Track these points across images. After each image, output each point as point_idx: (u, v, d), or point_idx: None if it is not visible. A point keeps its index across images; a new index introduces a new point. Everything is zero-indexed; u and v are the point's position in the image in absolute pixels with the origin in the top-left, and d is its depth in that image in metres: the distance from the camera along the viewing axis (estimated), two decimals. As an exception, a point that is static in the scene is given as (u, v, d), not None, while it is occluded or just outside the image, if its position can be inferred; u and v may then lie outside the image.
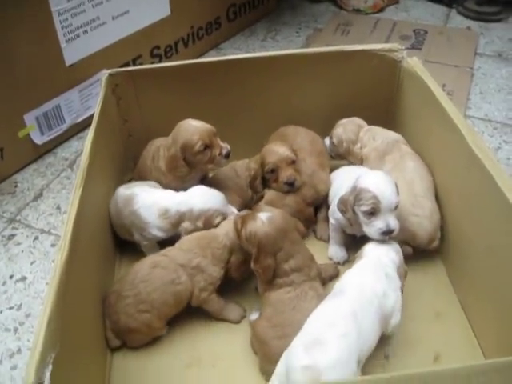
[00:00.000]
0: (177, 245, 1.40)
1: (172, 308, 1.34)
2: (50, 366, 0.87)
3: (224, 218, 1.47)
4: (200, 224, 1.45)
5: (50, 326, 0.91)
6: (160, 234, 1.49)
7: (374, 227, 1.33)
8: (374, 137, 1.63)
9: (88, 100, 2.08)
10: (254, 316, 1.35)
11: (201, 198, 1.48)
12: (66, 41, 1.91)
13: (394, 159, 1.55)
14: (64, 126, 2.04)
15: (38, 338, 0.88)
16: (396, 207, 1.33)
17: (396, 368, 1.25)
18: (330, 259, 1.53)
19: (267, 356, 1.23)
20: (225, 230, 1.40)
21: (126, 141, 1.76)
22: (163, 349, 1.33)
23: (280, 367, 1.13)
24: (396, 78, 1.71)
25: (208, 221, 1.45)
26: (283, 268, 1.27)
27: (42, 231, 1.70)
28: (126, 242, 1.57)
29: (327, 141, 1.74)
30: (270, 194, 1.59)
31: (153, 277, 1.33)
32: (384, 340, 1.26)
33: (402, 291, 1.29)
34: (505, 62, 2.50)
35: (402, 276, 1.32)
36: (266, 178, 1.60)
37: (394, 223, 1.33)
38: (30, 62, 1.83)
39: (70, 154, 2.04)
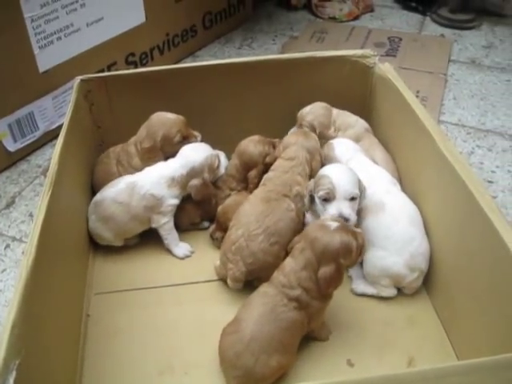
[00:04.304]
0: (267, 183, 1.47)
1: (291, 236, 1.35)
2: (14, 373, 0.85)
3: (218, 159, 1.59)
4: (206, 174, 1.54)
5: (13, 332, 0.88)
6: (175, 202, 1.53)
7: (326, 213, 1.33)
8: (350, 123, 1.66)
9: (62, 107, 2.06)
10: None
11: (195, 152, 1.55)
12: (40, 47, 1.89)
13: (363, 146, 1.59)
14: (37, 133, 2.02)
15: (2, 344, 0.86)
16: (352, 198, 1.33)
17: (368, 372, 1.23)
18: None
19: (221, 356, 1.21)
20: (294, 154, 1.49)
21: (99, 147, 1.74)
22: (135, 356, 1.30)
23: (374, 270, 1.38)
24: (368, 83, 1.72)
25: (211, 167, 1.56)
26: None
27: (14, 239, 1.68)
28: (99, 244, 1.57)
29: (294, 130, 1.70)
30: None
31: (273, 209, 1.39)
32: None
33: None
34: (478, 68, 2.53)
35: None
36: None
37: (347, 211, 1.31)
38: (3, 68, 1.80)
39: (43, 161, 2.01)
